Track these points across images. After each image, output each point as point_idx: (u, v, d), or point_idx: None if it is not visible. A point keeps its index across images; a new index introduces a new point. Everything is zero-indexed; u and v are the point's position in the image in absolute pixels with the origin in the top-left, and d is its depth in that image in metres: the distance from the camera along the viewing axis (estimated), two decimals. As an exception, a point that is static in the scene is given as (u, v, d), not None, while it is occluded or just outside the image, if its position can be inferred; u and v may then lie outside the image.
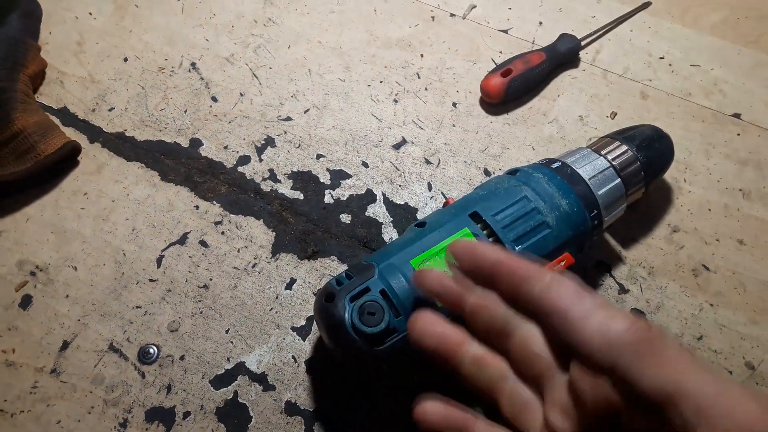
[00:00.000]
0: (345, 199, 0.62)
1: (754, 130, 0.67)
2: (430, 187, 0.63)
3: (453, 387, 0.37)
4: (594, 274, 0.59)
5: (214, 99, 0.67)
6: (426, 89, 0.69)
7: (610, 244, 0.61)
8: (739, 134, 0.67)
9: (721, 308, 0.58)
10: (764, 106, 0.68)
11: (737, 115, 0.68)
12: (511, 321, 0.36)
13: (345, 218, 0.61)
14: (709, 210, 0.63)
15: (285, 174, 0.63)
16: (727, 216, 0.62)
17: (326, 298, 0.46)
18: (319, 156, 0.64)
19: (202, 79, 0.68)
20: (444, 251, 0.47)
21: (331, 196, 0.62)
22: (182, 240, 0.59)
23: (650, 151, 0.55)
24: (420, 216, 0.61)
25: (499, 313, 0.36)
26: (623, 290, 0.59)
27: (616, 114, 0.68)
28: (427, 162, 0.64)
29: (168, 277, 0.57)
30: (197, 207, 0.61)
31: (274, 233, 0.60)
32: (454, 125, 0.67)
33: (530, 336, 0.35)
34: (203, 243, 0.59)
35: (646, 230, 0.62)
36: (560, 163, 0.54)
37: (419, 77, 0.69)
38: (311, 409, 0.52)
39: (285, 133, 0.65)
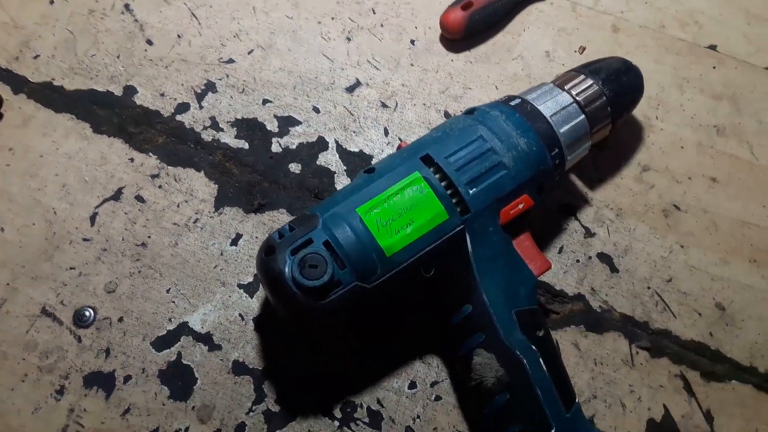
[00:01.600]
0: (294, 147, 0.60)
1: (730, 62, 0.65)
2: (386, 133, 0.61)
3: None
4: (558, 217, 0.58)
5: (150, 42, 0.63)
6: (382, 25, 0.66)
7: (575, 185, 0.59)
8: (714, 67, 0.65)
9: (692, 249, 0.57)
10: (741, 36, 0.66)
11: (713, 47, 0.66)
12: None
13: (294, 168, 0.59)
14: (682, 148, 0.61)
15: (228, 122, 0.60)
16: (700, 154, 0.61)
17: (266, 251, 0.45)
18: (265, 101, 0.62)
19: (136, 21, 0.64)
20: (392, 198, 0.45)
21: (279, 144, 0.60)
22: (117, 196, 0.57)
23: (617, 85, 0.53)
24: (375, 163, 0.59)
25: None
26: (589, 233, 0.57)
27: (584, 49, 0.65)
28: (384, 105, 0.62)
29: (103, 236, 0.55)
30: (132, 160, 0.58)
31: (217, 186, 0.58)
32: (412, 64, 0.64)
33: None
34: (140, 198, 0.57)
35: (615, 170, 0.60)
36: (520, 100, 0.52)
37: (374, 12, 0.66)
38: (260, 368, 0.51)
39: (227, 77, 0.62)
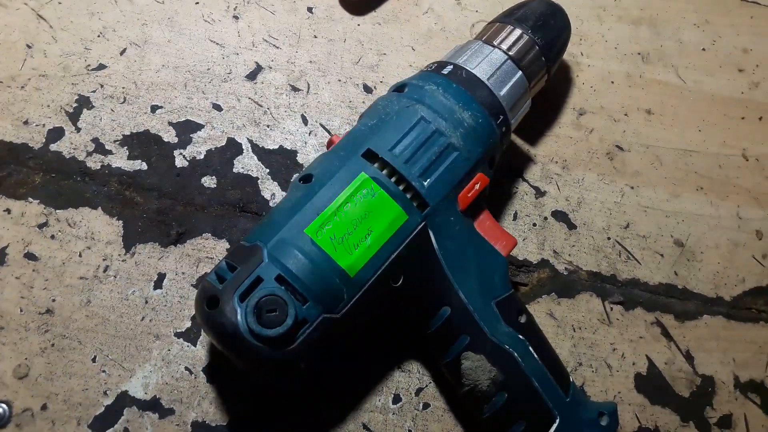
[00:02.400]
0: (202, 157, 0.52)
1: (640, -18, 0.63)
2: (305, 120, 0.54)
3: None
4: (506, 182, 0.55)
5: (-7, 59, 0.52)
6: (269, -4, 0.58)
7: (516, 144, 0.56)
8: (626, -11, 0.62)
9: (642, 188, 0.56)
10: (646, -48, 0.64)
11: (620, -32, 0.63)
12: None
13: (209, 182, 0.51)
14: (612, 83, 0.59)
15: (115, 141, 0.51)
16: (631, 86, 0.59)
17: (208, 303, 0.38)
18: (154, 108, 0.53)
19: (-32, 34, 0.53)
20: (342, 208, 0.39)
21: (184, 157, 0.52)
22: (0, 259, 0.47)
23: (547, 30, 0.50)
24: (301, 159, 0.53)
25: None
26: (540, 193, 0.55)
27: (494, -11, 0.61)
28: (294, 89, 0.55)
29: (-5, 310, 0.46)
30: (8, 211, 0.48)
31: (122, 222, 0.49)
32: (315, 36, 0.57)
33: None
34: (30, 256, 0.47)
35: (551, 119, 0.57)
36: (452, 66, 0.47)
37: (257, -18, 0.58)
38: (224, 423, 0.45)
39: (101, 86, 0.53)
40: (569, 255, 0.53)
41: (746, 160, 0.58)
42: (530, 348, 0.43)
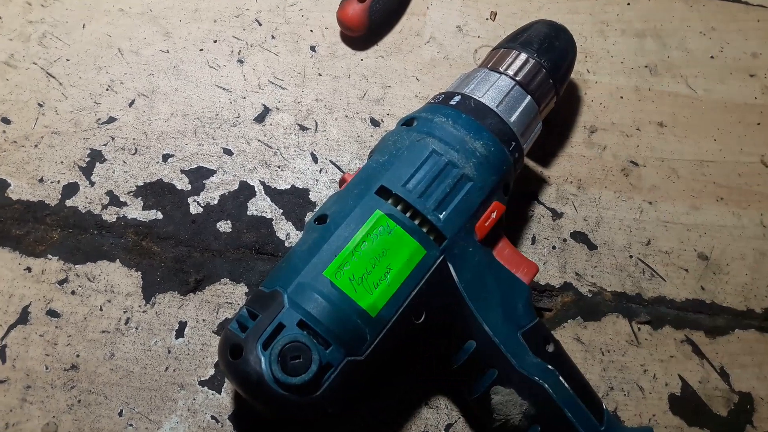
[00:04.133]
0: (216, 202, 0.52)
1: (642, -5, 0.63)
2: (315, 159, 0.55)
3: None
4: (521, 206, 0.54)
5: (6, 121, 0.53)
6: (273, 37, 0.59)
7: (528, 167, 0.56)
8: (629, 3, 0.63)
9: (660, 203, 0.55)
10: (646, -36, 0.64)
11: (621, -18, 0.64)
12: None
13: (224, 226, 0.52)
14: (621, 98, 0.59)
15: (129, 192, 0.52)
16: (641, 99, 0.59)
17: (232, 352, 0.38)
18: (165, 157, 0.54)
19: (-20, 96, 0.54)
20: (359, 247, 0.40)
21: (198, 203, 0.52)
22: (23, 318, 0.48)
23: (552, 52, 0.50)
24: (314, 197, 0.53)
25: None
26: (556, 215, 0.54)
27: (496, 14, 0.61)
28: (302, 128, 0.55)
29: (21, 371, 0.46)
30: (29, 269, 0.49)
31: (140, 273, 0.50)
32: (320, 74, 0.57)
33: None
34: (52, 313, 0.48)
35: (563, 140, 0.57)
36: (459, 96, 0.47)
37: (260, 24, 0.59)
38: (254, 472, 0.45)
39: (113, 139, 0.54)
40: (592, 276, 0.53)
41: (766, 167, 0.58)
42: (560, 378, 0.42)
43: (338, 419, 0.46)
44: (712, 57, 0.61)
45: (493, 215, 0.44)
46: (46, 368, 0.47)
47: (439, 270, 0.42)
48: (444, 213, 0.42)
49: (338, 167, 0.54)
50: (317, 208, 0.52)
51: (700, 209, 0.55)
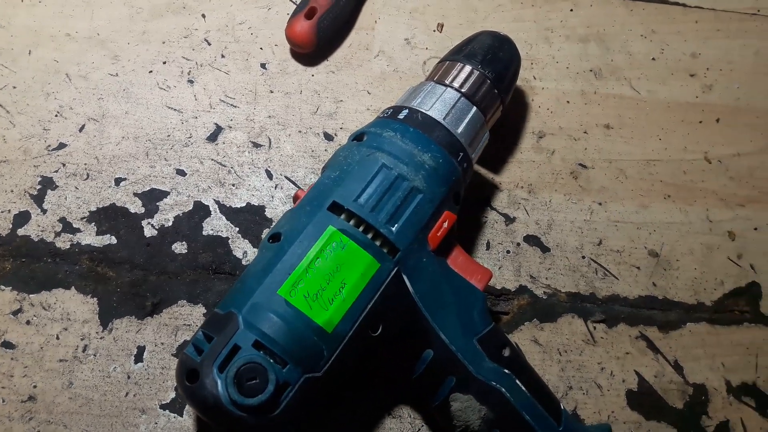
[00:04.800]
0: (170, 224, 0.52)
1: (584, 2, 0.65)
2: (270, 175, 0.55)
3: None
4: (474, 211, 0.55)
5: (-49, 151, 0.52)
6: (223, 56, 0.59)
7: (479, 174, 0.57)
8: (572, 10, 0.64)
9: (610, 203, 0.57)
10: (586, -29, 0.66)
11: (563, -11, 0.65)
12: None
13: (179, 248, 0.51)
14: (568, 102, 0.60)
15: (82, 218, 0.52)
16: (587, 103, 0.60)
17: (188, 376, 0.38)
18: (118, 180, 0.53)
19: (-76, 128, 0.53)
20: (313, 264, 0.40)
21: (152, 226, 0.52)
22: (-24, 351, 0.47)
23: (496, 63, 0.51)
24: (269, 214, 0.53)
25: None
26: (509, 219, 0.55)
27: (442, 25, 0.62)
28: (256, 145, 0.56)
29: (-25, 406, 0.45)
30: (-19, 302, 0.48)
31: (96, 299, 0.49)
32: (271, 91, 0.58)
33: None
34: (7, 344, 0.47)
35: (512, 146, 0.58)
36: (407, 110, 0.47)
37: (209, 44, 0.59)
38: (219, 493, 0.45)
39: (64, 165, 0.53)
40: (546, 278, 0.54)
41: (709, 163, 0.59)
42: (517, 381, 0.43)
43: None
44: (653, 59, 0.63)
45: (445, 225, 0.45)
46: (2, 401, 0.46)
47: (394, 282, 0.42)
48: (396, 225, 0.43)
49: (293, 182, 0.54)
50: (273, 225, 0.52)
51: (649, 207, 0.57)
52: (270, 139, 0.56)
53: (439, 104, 0.48)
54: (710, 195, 0.58)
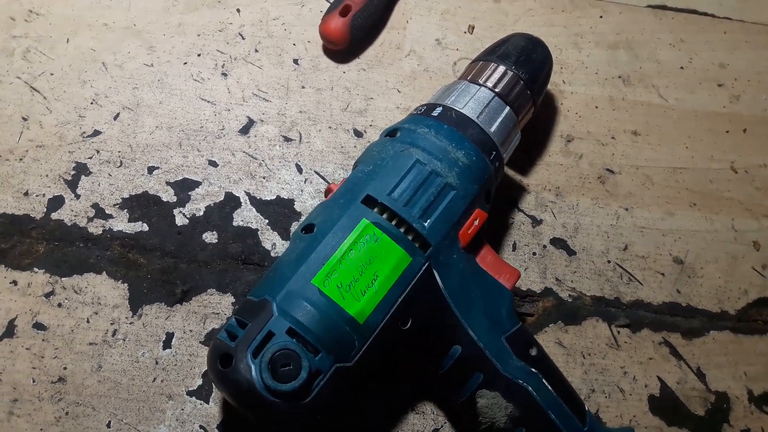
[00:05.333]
0: (202, 213, 0.53)
1: (614, 8, 0.65)
2: (299, 169, 0.55)
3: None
4: (502, 213, 0.55)
5: (-11, 134, 0.53)
6: (257, 51, 0.59)
7: (508, 175, 0.57)
8: (601, 16, 0.64)
9: (636, 209, 0.57)
10: (617, -21, 0.66)
11: (594, -4, 0.65)
12: None
13: (210, 237, 0.52)
14: (596, 107, 0.60)
15: (115, 205, 0.52)
16: (615, 109, 0.60)
17: (221, 361, 0.38)
18: (151, 169, 0.54)
19: (-38, 111, 0.54)
20: (347, 255, 0.40)
21: (184, 215, 0.52)
22: (10, 331, 0.47)
23: (530, 64, 0.51)
24: (298, 207, 0.54)
25: None
26: (536, 222, 0.56)
27: (473, 27, 0.63)
28: (287, 139, 0.56)
29: (8, 384, 0.46)
30: (15, 282, 0.49)
31: (127, 284, 0.50)
32: (303, 87, 0.58)
33: None
34: (39, 326, 0.48)
35: (541, 148, 0.58)
36: (441, 108, 0.48)
37: (243, 38, 0.60)
38: (243, 480, 0.45)
39: (98, 152, 0.54)
40: (572, 281, 0.54)
41: (735, 173, 0.59)
42: (543, 380, 0.43)
43: (326, 427, 0.46)
44: (681, 68, 0.63)
45: (476, 222, 0.45)
46: (33, 381, 0.46)
47: (425, 277, 0.42)
48: (429, 221, 0.43)
49: (323, 177, 0.55)
50: (303, 217, 0.53)
51: (675, 215, 0.57)
52: (300, 134, 0.56)
53: (472, 103, 0.48)
54: (736, 204, 0.58)
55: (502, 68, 0.50)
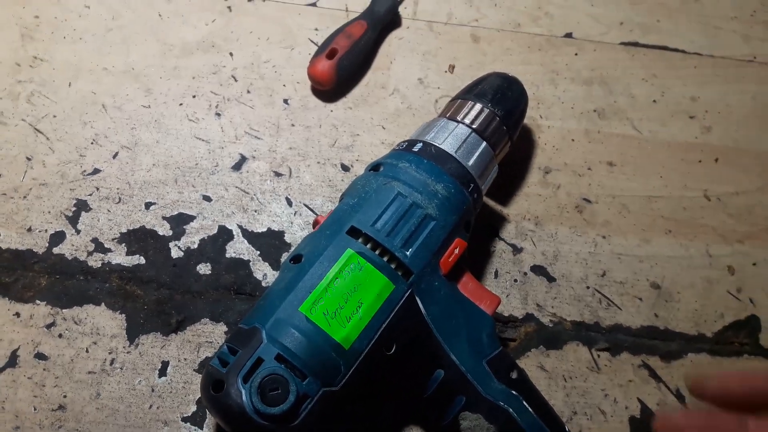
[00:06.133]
0: (196, 246, 0.55)
1: (588, 46, 0.68)
2: (290, 203, 0.58)
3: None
4: (482, 241, 0.58)
5: (-6, 174, 0.56)
6: (248, 92, 0.62)
7: (488, 206, 0.59)
8: (576, 54, 0.68)
9: (613, 237, 0.59)
10: (591, 19, 0.70)
11: (569, 35, 0.69)
12: None
13: (204, 269, 0.54)
14: (573, 140, 0.63)
15: (113, 239, 0.54)
16: (591, 141, 0.63)
17: (214, 387, 0.40)
18: (148, 205, 0.56)
19: (-31, 152, 0.56)
20: (332, 284, 0.42)
21: (179, 248, 0.55)
22: (12, 361, 0.49)
23: (505, 102, 0.54)
24: (288, 239, 0.56)
25: None
26: (516, 250, 0.58)
27: (454, 66, 0.66)
28: (277, 174, 0.59)
29: (10, 413, 0.48)
30: (18, 314, 0.51)
31: (124, 315, 0.52)
32: (293, 125, 0.61)
33: None
34: (40, 356, 0.50)
35: (520, 180, 0.61)
36: (421, 143, 0.50)
37: (236, 80, 0.63)
38: (236, 504, 0.46)
39: (97, 189, 0.56)
40: (552, 307, 0.56)
41: (708, 200, 0.62)
42: (524, 402, 0.45)
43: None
44: (654, 101, 0.66)
45: (456, 251, 0.47)
46: (35, 409, 0.48)
47: (408, 303, 0.44)
48: (410, 250, 0.45)
49: (312, 210, 0.57)
50: (292, 248, 0.55)
51: (651, 242, 0.59)
52: (290, 169, 0.59)
53: (451, 138, 0.51)
54: (710, 231, 0.60)
55: (478, 106, 0.53)
